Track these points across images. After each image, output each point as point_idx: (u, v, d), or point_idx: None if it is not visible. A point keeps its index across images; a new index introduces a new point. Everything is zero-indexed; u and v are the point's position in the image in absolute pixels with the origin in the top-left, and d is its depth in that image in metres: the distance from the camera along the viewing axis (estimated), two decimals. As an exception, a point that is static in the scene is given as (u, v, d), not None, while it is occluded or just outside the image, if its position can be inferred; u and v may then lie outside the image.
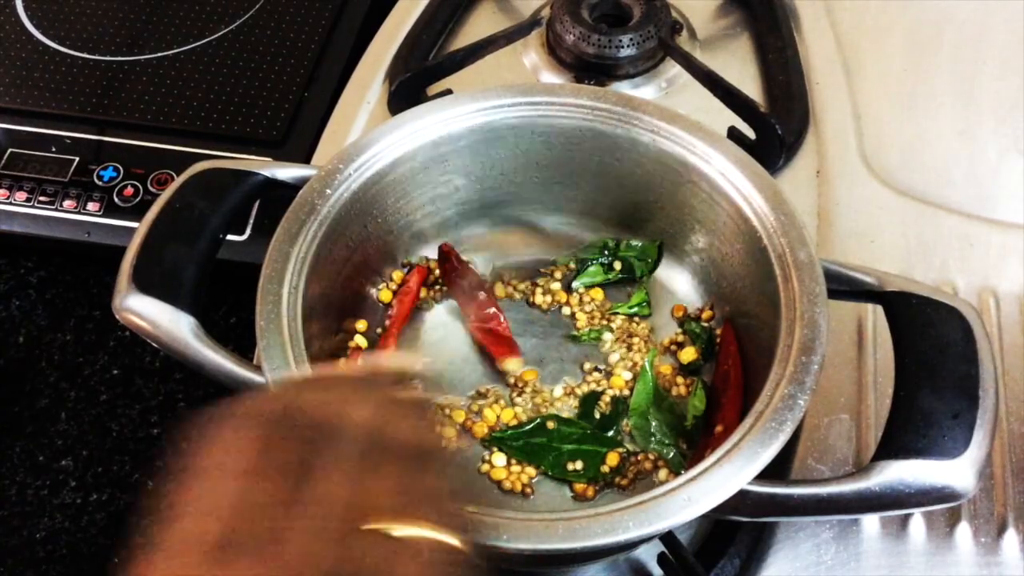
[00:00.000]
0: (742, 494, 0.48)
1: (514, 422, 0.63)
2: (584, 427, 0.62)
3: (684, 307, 0.67)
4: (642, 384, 0.64)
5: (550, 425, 0.62)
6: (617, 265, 0.68)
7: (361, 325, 0.66)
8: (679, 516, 0.47)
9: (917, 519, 0.60)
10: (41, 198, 0.79)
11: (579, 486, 0.60)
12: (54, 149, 0.82)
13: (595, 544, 0.46)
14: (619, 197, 0.68)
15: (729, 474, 0.48)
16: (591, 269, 0.69)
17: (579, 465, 0.61)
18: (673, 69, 0.82)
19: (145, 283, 0.55)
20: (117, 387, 0.75)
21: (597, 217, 0.70)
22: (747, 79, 0.83)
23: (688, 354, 0.65)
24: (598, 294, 0.69)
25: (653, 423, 0.62)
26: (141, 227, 0.58)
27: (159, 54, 0.89)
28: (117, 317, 0.55)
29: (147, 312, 0.54)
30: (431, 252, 0.69)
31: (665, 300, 0.68)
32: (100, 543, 0.68)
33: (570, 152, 0.66)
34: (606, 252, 0.69)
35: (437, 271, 0.69)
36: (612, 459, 0.61)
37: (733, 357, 0.62)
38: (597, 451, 0.61)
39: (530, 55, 0.85)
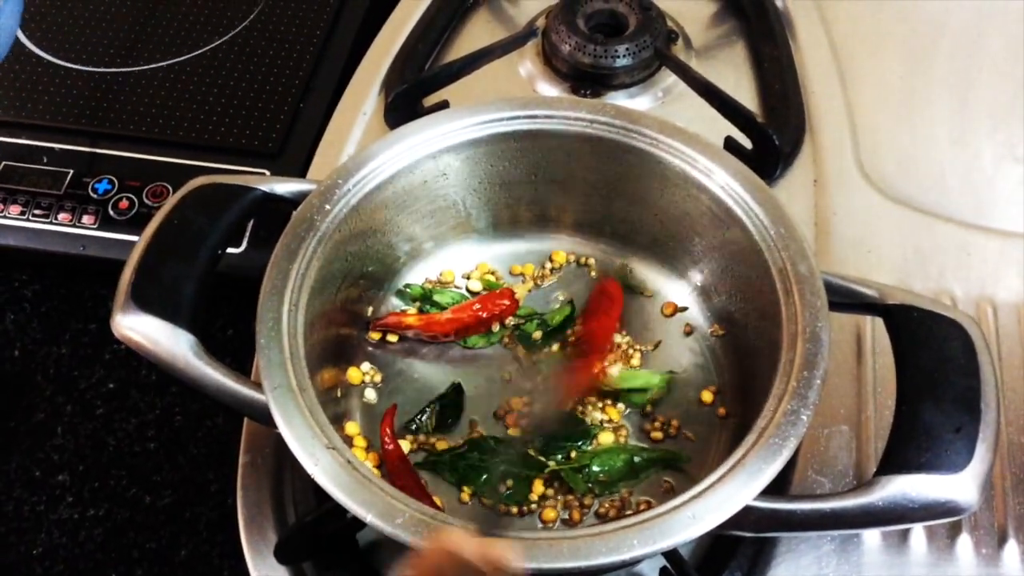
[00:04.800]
0: (746, 510, 0.48)
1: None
2: (519, 448, 0.62)
3: (674, 304, 0.68)
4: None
5: (483, 443, 0.62)
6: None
7: (353, 427, 0.63)
8: (684, 534, 0.47)
9: (918, 531, 0.60)
10: (35, 211, 0.78)
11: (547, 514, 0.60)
12: (46, 160, 0.81)
13: (600, 563, 0.46)
14: (619, 210, 0.68)
15: (733, 491, 0.48)
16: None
17: (509, 484, 0.60)
18: (669, 79, 0.82)
19: (144, 300, 0.54)
20: (113, 401, 0.75)
21: (596, 230, 0.70)
22: (743, 88, 0.83)
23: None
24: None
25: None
26: (139, 243, 0.57)
27: (153, 65, 0.89)
28: (116, 335, 0.54)
29: (146, 330, 0.54)
30: (431, 267, 0.70)
31: (663, 311, 0.68)
32: (98, 559, 0.68)
33: (569, 165, 0.66)
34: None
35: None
36: (538, 487, 0.60)
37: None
38: (528, 475, 0.61)
39: (526, 65, 0.85)
